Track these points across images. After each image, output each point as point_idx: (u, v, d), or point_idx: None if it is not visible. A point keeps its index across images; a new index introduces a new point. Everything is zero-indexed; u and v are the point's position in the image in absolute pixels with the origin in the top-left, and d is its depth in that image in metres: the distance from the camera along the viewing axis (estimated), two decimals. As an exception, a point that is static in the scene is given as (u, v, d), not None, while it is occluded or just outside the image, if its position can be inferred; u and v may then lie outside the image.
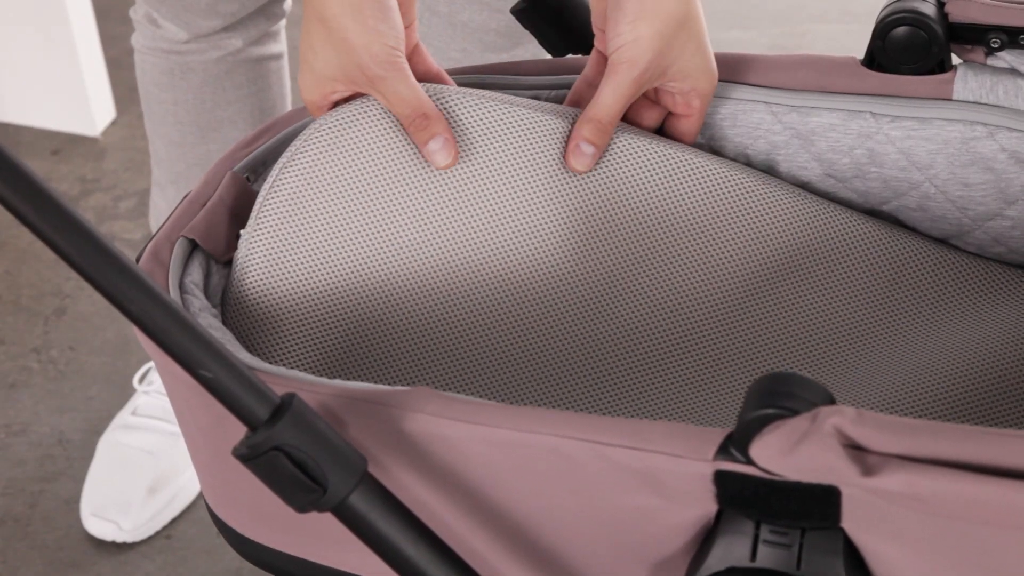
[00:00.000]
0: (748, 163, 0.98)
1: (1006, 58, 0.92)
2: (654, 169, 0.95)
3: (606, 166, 0.94)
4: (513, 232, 0.94)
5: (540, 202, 0.94)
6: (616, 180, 0.94)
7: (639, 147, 0.95)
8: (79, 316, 1.85)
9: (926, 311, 0.94)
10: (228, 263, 0.90)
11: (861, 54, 0.96)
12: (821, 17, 2.46)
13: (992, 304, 0.94)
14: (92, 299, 1.87)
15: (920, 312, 0.94)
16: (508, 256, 0.94)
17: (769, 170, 0.98)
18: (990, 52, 0.93)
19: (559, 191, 0.94)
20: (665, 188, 0.95)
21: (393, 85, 0.88)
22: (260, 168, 0.94)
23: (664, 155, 0.95)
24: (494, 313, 0.94)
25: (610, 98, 0.91)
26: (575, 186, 0.94)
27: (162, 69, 1.41)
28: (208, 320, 0.83)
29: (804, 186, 0.98)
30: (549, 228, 0.94)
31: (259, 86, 1.43)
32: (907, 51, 0.93)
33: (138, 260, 0.85)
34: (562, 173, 0.94)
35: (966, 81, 0.93)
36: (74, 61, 2.16)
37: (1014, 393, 0.89)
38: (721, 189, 0.95)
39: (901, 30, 0.93)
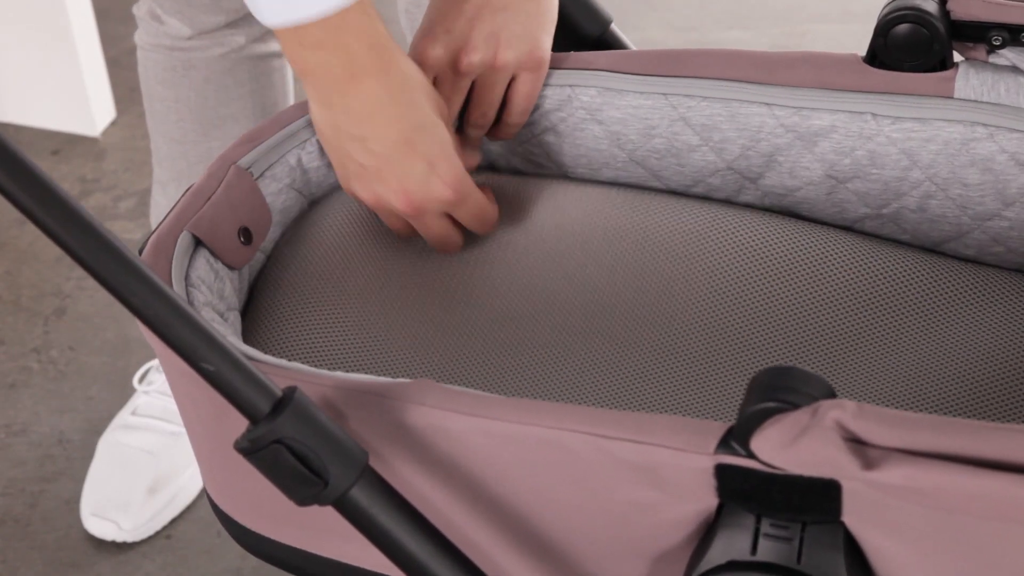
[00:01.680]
0: (749, 163, 0.98)
1: (1008, 56, 0.92)
2: (628, 205, 0.99)
3: (583, 211, 0.99)
4: (506, 243, 0.96)
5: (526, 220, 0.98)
6: (596, 218, 0.98)
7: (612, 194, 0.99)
8: (79, 316, 1.85)
9: (914, 316, 0.94)
10: (232, 267, 0.90)
11: (862, 54, 0.96)
12: (821, 17, 2.46)
13: (982, 308, 0.94)
14: (92, 299, 1.87)
15: (909, 317, 0.94)
16: (507, 256, 0.95)
17: (770, 169, 0.98)
18: (992, 50, 0.93)
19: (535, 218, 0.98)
20: (636, 218, 0.98)
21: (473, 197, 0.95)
22: (264, 163, 0.94)
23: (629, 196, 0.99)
24: (495, 310, 0.94)
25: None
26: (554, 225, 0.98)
27: (164, 66, 1.41)
28: (211, 315, 0.83)
29: (804, 186, 0.98)
30: (539, 242, 0.96)
31: (261, 83, 1.43)
32: (909, 48, 0.93)
33: (140, 252, 0.85)
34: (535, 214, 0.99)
35: (967, 79, 0.93)
36: (74, 61, 2.16)
37: (1005, 394, 0.89)
38: (685, 215, 0.98)
39: (903, 27, 0.93)
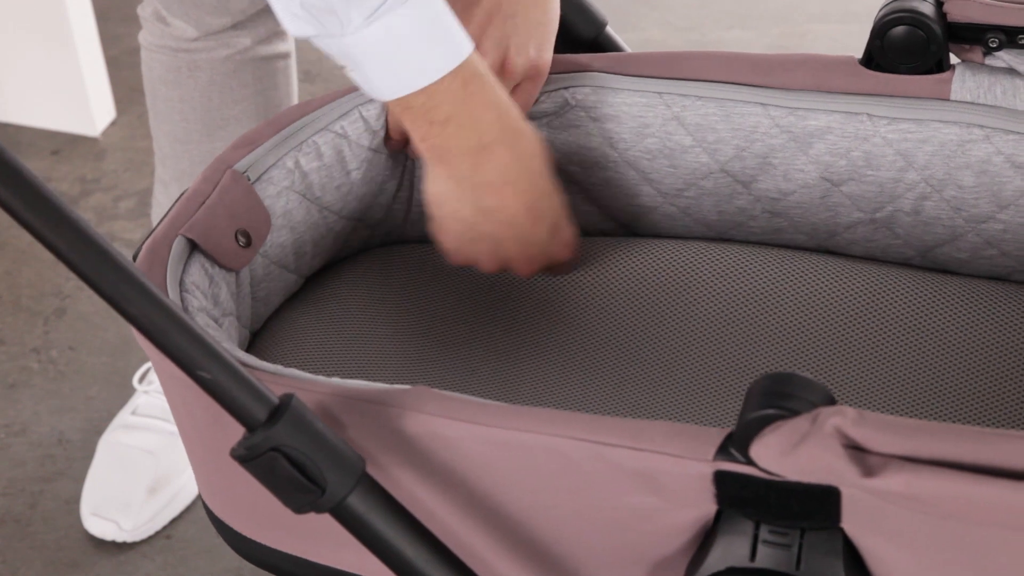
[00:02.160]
0: (743, 165, 0.98)
1: (1004, 58, 0.92)
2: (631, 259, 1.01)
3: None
4: (504, 294, 1.00)
5: None
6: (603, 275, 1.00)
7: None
8: (79, 316, 1.85)
9: (904, 331, 0.94)
10: (230, 269, 0.90)
11: (861, 54, 0.96)
12: (821, 17, 2.46)
13: (969, 319, 0.94)
14: (92, 299, 1.87)
15: (899, 332, 0.94)
16: (505, 304, 0.98)
17: (763, 172, 0.98)
18: (988, 52, 0.93)
19: None
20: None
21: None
22: (261, 166, 0.94)
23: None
24: (495, 313, 0.95)
25: None
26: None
27: (169, 67, 1.41)
28: (205, 320, 0.83)
29: (798, 190, 0.98)
30: (532, 292, 1.00)
31: (266, 85, 1.43)
32: (905, 50, 0.93)
33: (135, 257, 0.85)
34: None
35: (964, 81, 0.93)
36: (74, 61, 2.16)
37: (999, 404, 0.89)
38: (668, 254, 1.00)
39: (899, 29, 0.93)
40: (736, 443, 0.66)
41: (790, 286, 0.96)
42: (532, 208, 0.94)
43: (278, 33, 1.44)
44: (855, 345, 0.93)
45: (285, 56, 1.45)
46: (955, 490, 0.61)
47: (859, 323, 0.94)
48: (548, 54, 0.98)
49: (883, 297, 0.95)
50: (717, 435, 0.67)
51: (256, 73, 1.42)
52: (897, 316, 0.94)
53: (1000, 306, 0.94)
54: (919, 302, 0.95)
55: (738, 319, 0.95)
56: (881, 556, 0.67)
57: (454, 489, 0.74)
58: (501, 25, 0.95)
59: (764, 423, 0.65)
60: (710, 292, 0.97)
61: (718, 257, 0.99)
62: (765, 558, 0.67)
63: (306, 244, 0.98)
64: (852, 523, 0.66)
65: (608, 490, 0.69)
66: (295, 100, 1.50)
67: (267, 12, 1.41)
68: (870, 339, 0.93)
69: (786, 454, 0.64)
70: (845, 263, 0.98)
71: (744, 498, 0.67)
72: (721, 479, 0.67)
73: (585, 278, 0.99)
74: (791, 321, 0.95)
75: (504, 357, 0.95)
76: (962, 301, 0.94)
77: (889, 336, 0.93)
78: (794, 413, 0.65)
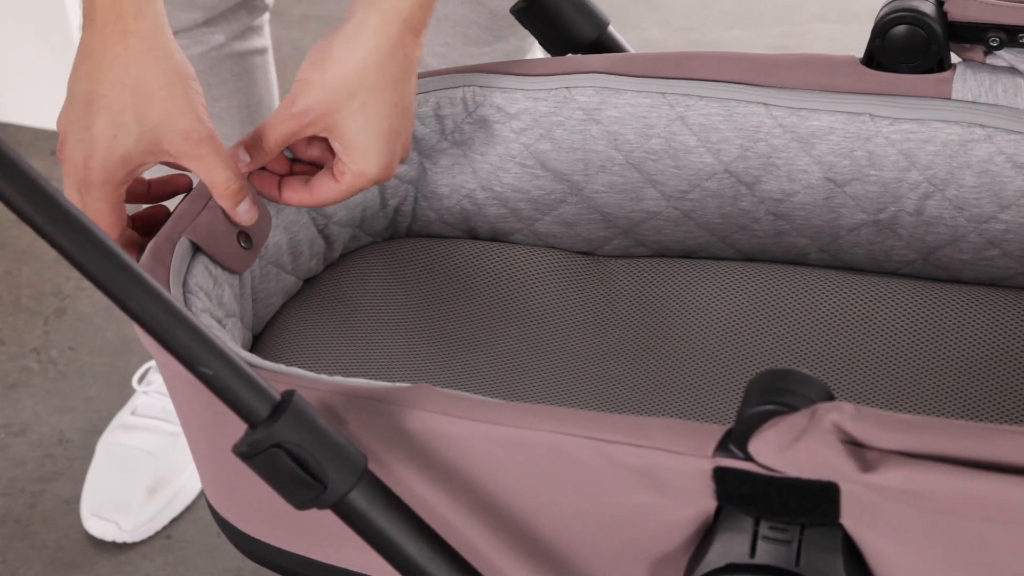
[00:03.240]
0: (747, 165, 0.98)
1: (1005, 57, 0.92)
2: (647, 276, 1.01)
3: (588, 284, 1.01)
4: (498, 306, 0.99)
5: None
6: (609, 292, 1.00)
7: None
8: (79, 316, 1.85)
9: (904, 337, 0.94)
10: (233, 271, 0.90)
11: (861, 54, 0.96)
12: (821, 17, 2.46)
13: (968, 325, 0.94)
14: (92, 299, 1.87)
15: (899, 338, 0.94)
16: (512, 274, 0.98)
17: (767, 173, 0.98)
18: (989, 51, 0.93)
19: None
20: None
21: (216, 152, 0.90)
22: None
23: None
24: (497, 313, 0.95)
25: (269, 120, 0.92)
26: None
27: None
28: (209, 321, 0.83)
29: (802, 191, 0.98)
30: (535, 306, 0.99)
31: (245, 81, 1.43)
32: (906, 50, 0.93)
33: (138, 258, 0.85)
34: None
35: (965, 80, 0.93)
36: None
37: (998, 406, 0.89)
38: (666, 270, 1.01)
39: (900, 29, 0.93)
40: (735, 439, 0.66)
41: (792, 298, 0.97)
42: (88, 102, 0.88)
43: (253, 28, 1.43)
44: (857, 355, 0.93)
45: (262, 51, 1.45)
46: (953, 485, 0.61)
47: (861, 333, 0.94)
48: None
49: (885, 307, 0.96)
50: (716, 431, 0.67)
51: (234, 70, 1.42)
52: (900, 326, 0.95)
53: (1002, 312, 0.94)
54: (921, 311, 0.95)
55: (740, 330, 0.96)
56: (880, 552, 0.67)
57: (456, 486, 0.74)
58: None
59: (763, 419, 0.65)
60: (713, 304, 0.97)
61: (722, 271, 0.99)
62: (765, 554, 0.67)
63: (301, 245, 0.98)
64: (851, 519, 0.66)
65: (609, 487, 0.70)
66: (275, 95, 1.49)
67: (239, 8, 1.41)
68: (872, 349, 0.94)
69: (784, 450, 0.64)
70: (847, 275, 0.98)
71: (744, 494, 0.67)
72: (721, 475, 0.67)
73: (590, 290, 0.99)
74: (793, 332, 0.95)
75: (506, 357, 0.95)
76: (964, 308, 0.95)
77: (891, 345, 0.94)
78: (792, 409, 0.65)
